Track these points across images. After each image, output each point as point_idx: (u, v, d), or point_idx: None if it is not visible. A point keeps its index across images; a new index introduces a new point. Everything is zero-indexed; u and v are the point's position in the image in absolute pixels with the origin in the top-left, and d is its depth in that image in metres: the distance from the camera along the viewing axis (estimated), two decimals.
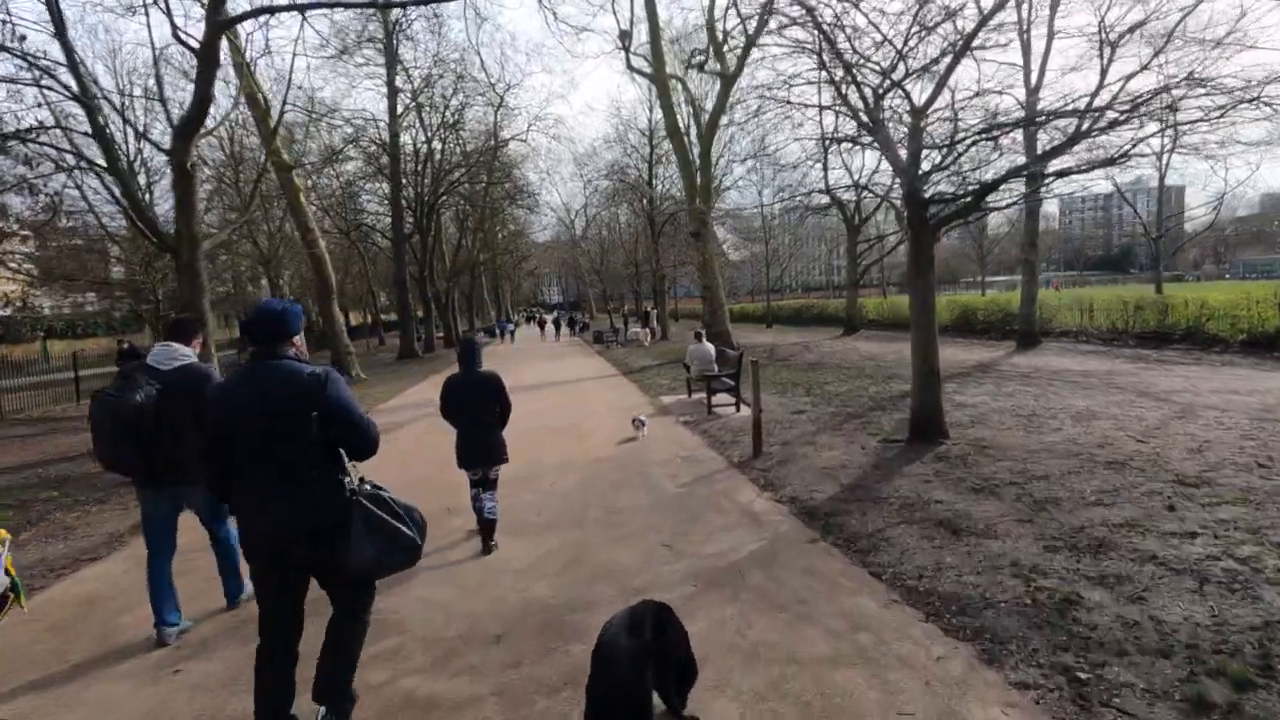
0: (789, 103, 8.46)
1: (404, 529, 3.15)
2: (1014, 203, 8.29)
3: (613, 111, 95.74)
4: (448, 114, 33.59)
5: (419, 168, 33.87)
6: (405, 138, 32.11)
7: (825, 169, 28.61)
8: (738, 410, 11.27)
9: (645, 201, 32.55)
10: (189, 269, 11.89)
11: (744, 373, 11.04)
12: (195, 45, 11.62)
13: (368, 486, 3.17)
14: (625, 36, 22.92)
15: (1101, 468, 6.43)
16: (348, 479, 3.11)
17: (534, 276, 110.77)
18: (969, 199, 7.51)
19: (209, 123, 13.54)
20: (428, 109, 32.86)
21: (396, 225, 29.44)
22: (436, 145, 34.25)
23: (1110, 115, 6.91)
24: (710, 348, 12.77)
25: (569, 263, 77.35)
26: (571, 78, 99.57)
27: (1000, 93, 9.07)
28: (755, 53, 18.99)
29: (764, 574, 4.57)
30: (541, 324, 51.49)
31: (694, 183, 22.27)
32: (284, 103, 14.26)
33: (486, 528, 5.40)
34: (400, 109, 29.57)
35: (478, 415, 5.64)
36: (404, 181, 30.51)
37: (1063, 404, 9.91)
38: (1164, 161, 31.72)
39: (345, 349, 20.91)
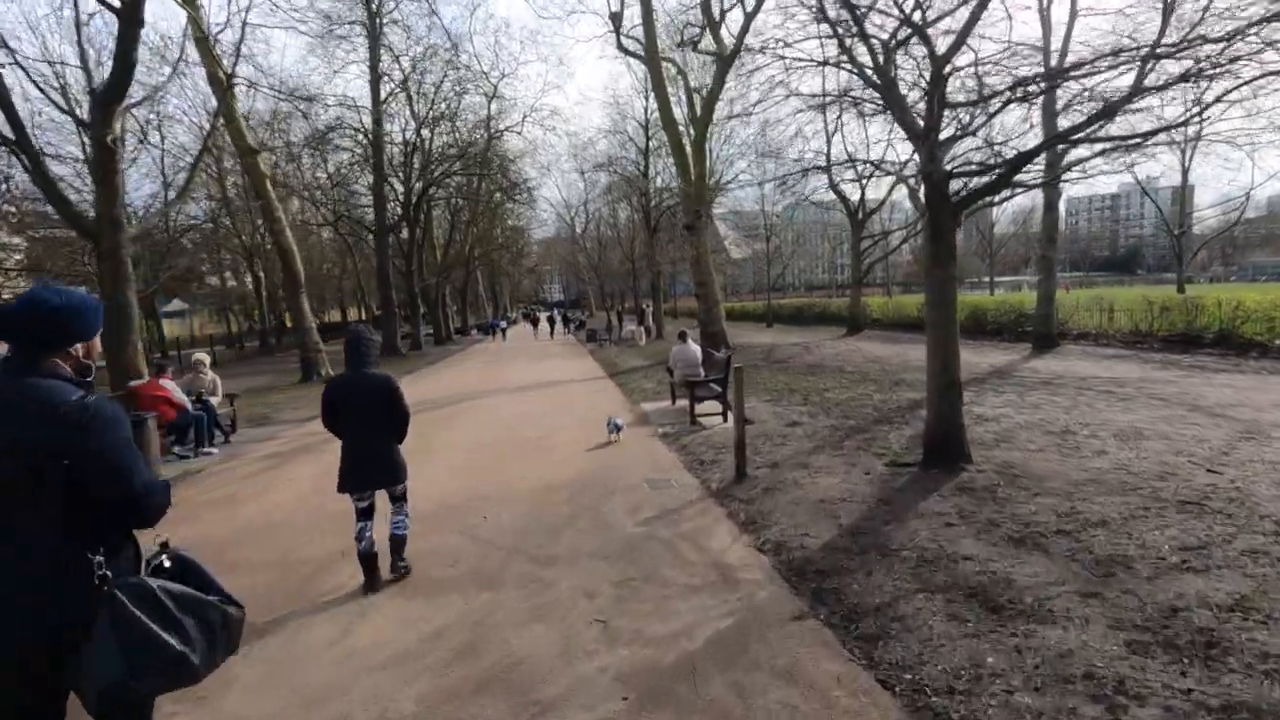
0: (784, 58, 7.07)
1: (170, 639, 2.03)
2: (1049, 181, 6.91)
3: (609, 101, 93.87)
4: (437, 102, 32.31)
5: (407, 158, 32.57)
6: (393, 127, 30.88)
7: (828, 141, 27.30)
8: (725, 420, 9.92)
9: (640, 195, 31.15)
10: (111, 256, 10.60)
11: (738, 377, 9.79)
12: (116, 4, 10.28)
13: (161, 560, 2.18)
14: (616, 18, 21.58)
15: (1173, 509, 5.05)
16: (100, 558, 2.03)
17: (535, 274, 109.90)
18: (1001, 171, 6.14)
19: (165, 97, 12.18)
20: (417, 98, 31.59)
21: (379, 217, 28.13)
22: (425, 134, 32.96)
23: (1176, 65, 5.53)
24: (696, 349, 11.41)
25: (569, 260, 76.07)
26: (568, 68, 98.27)
27: (1035, 49, 7.68)
28: (752, 38, 17.65)
29: (725, 679, 3.20)
30: (534, 321, 50.11)
31: (689, 172, 20.90)
32: (230, 75, 12.91)
33: (395, 545, 4.76)
34: (384, 95, 28.25)
35: (366, 425, 4.60)
36: (387, 172, 29.18)
37: (1099, 418, 8.52)
38: (1188, 154, 30.26)
39: (315, 347, 19.59)
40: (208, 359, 10.58)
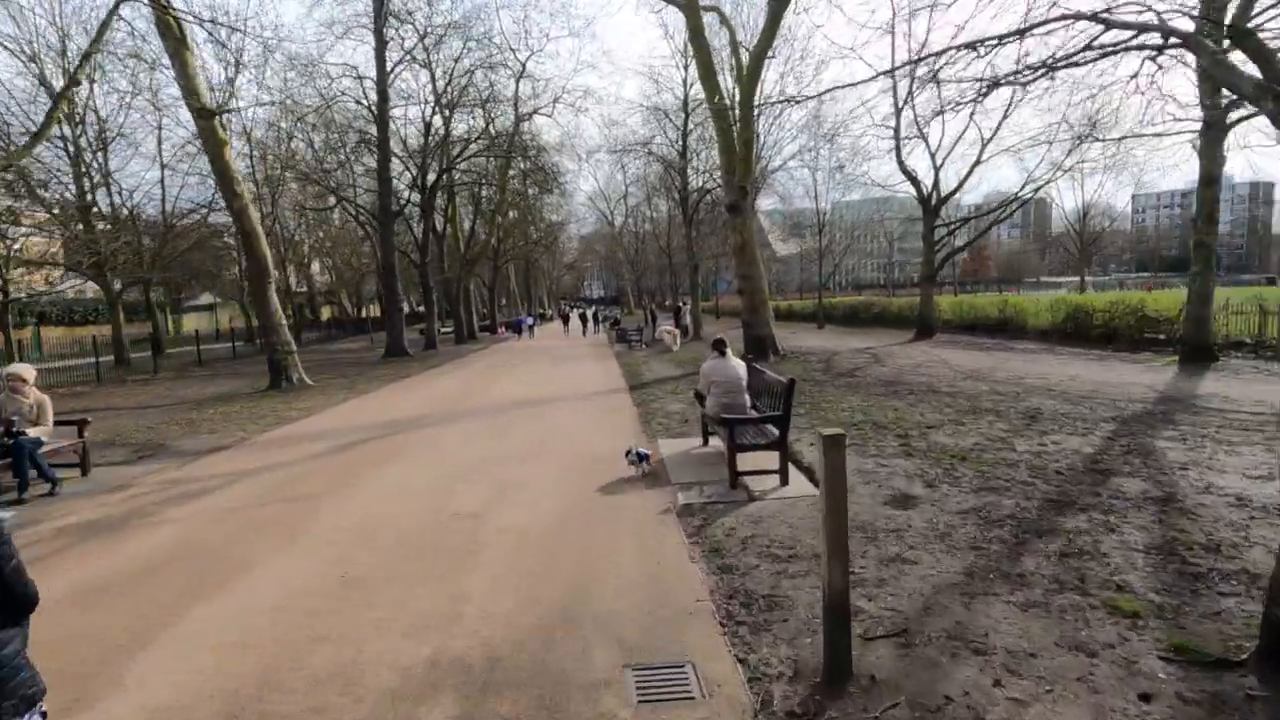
0: None
1: None
2: None
3: (643, 72, 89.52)
4: (456, 76, 29.21)
5: (425, 140, 29.56)
6: (408, 111, 27.93)
7: (897, 113, 23.31)
8: (783, 483, 6.27)
9: (678, 175, 27.50)
10: None
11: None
12: None
13: None
14: None
15: None
16: None
17: (574, 271, 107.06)
18: None
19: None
20: (434, 72, 28.55)
21: (383, 202, 25.10)
22: (444, 113, 29.92)
23: None
24: (738, 367, 7.64)
25: (608, 256, 72.81)
26: (601, 43, 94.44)
27: None
28: None
29: None
30: (565, 319, 46.90)
31: (731, 144, 17.24)
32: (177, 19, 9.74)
33: None
34: (392, 65, 25.20)
35: None
36: (399, 153, 26.16)
37: None
38: None
39: (285, 348, 16.53)
40: (31, 373, 7.36)
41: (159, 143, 28.34)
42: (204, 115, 15.24)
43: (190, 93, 15.07)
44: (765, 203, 41.45)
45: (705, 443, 8.04)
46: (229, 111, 18.60)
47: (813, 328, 34.30)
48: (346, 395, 14.87)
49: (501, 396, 13.69)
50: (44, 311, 40.09)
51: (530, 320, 44.44)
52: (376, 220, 26.18)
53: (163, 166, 28.17)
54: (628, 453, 7.01)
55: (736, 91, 17.68)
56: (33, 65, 22.99)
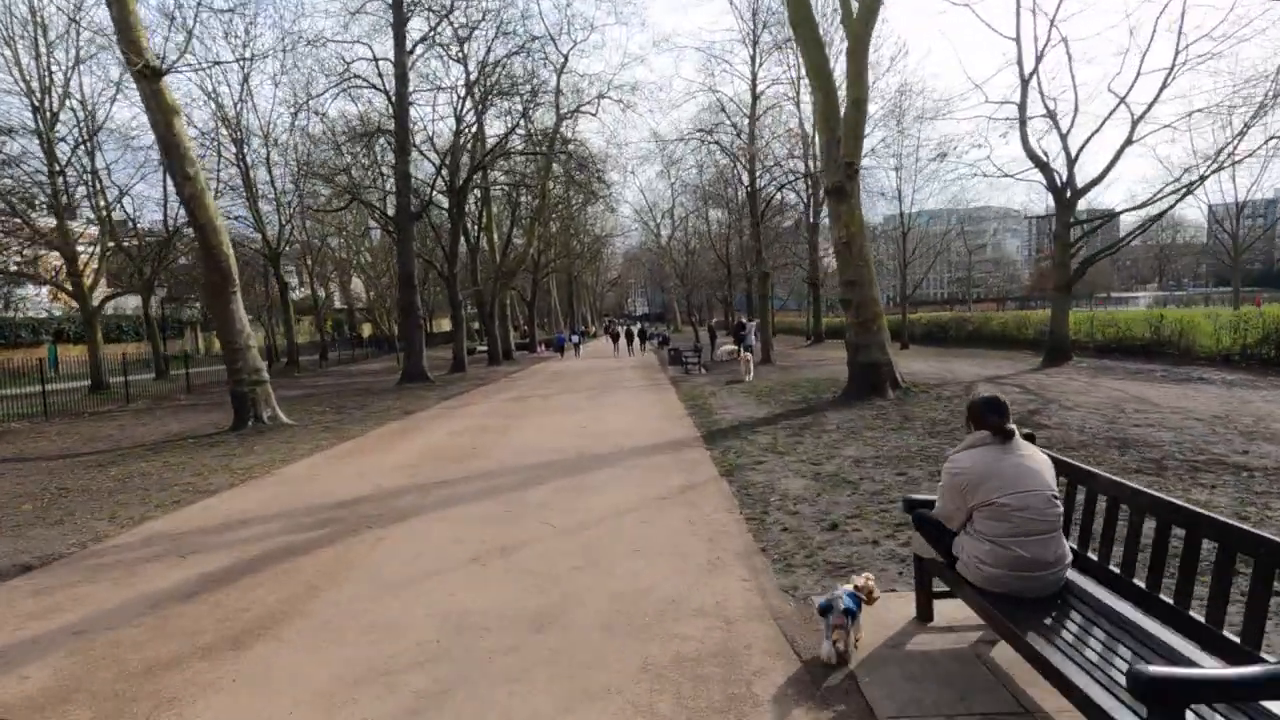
0: None
1: None
2: None
3: (704, 54, 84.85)
4: (489, 65, 25.73)
5: (456, 134, 26.10)
6: (441, 107, 24.47)
7: (1022, 84, 18.71)
8: None
9: (743, 171, 23.29)
10: None
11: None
12: None
13: None
14: None
15: None
16: None
17: (618, 287, 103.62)
18: None
19: None
20: (466, 56, 25.10)
21: (401, 201, 21.50)
22: (476, 104, 26.45)
23: None
24: (1042, 468, 3.11)
25: (655, 270, 68.90)
26: (651, 31, 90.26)
27: None
28: None
29: None
30: (615, 336, 43.00)
31: (834, 106, 13.02)
32: None
33: None
34: (412, 44, 21.74)
35: None
36: (415, 145, 22.63)
37: None
38: None
39: (251, 376, 12.80)
40: None
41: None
42: (147, 74, 11.70)
43: (130, 44, 11.56)
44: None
45: (926, 612, 3.72)
46: (180, 71, 15.14)
47: (896, 347, 29.48)
48: (318, 444, 11.00)
49: (523, 449, 9.60)
50: (61, 329, 37.93)
51: (575, 338, 40.75)
52: (394, 225, 22.61)
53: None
54: (824, 606, 2.94)
55: (844, 35, 13.40)
56: None
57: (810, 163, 30.92)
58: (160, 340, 33.78)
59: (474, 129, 26.85)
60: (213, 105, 27.66)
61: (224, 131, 28.14)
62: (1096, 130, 18.76)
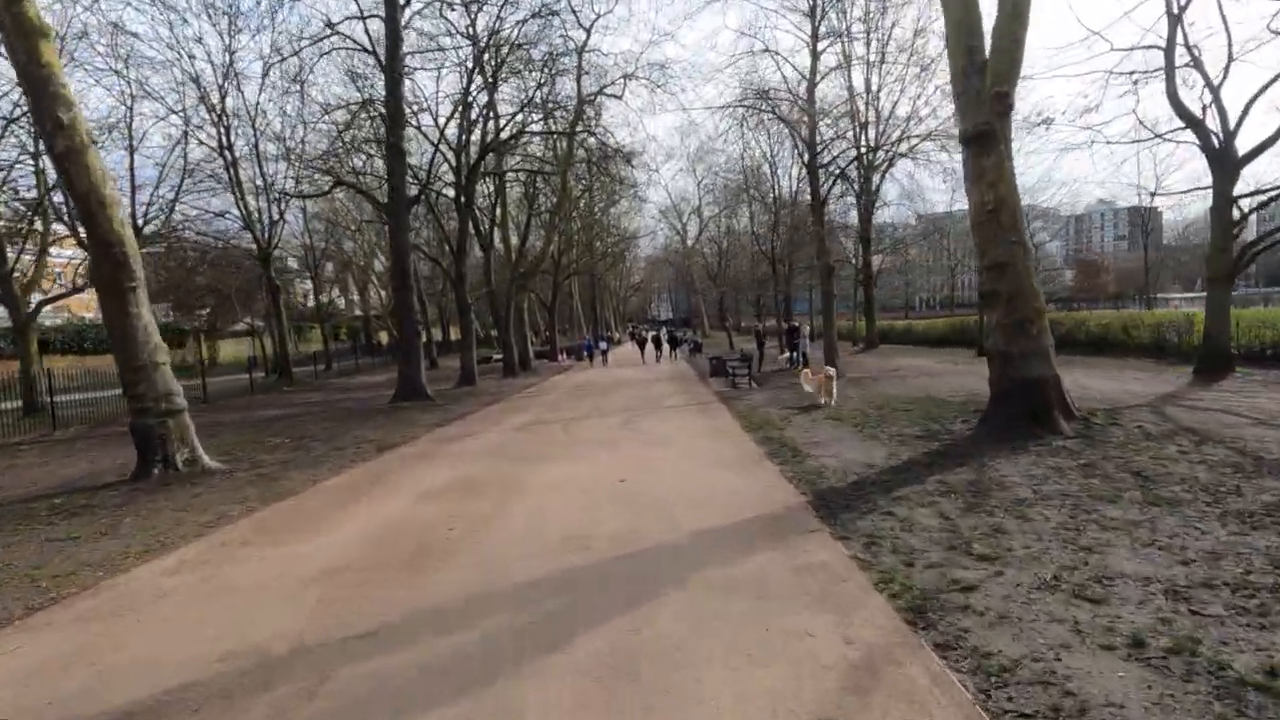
0: None
1: None
2: None
3: (752, 8, 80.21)
4: (500, 36, 22.22)
5: (464, 108, 22.59)
6: (447, 83, 20.96)
7: (1171, 19, 14.63)
8: None
9: (802, 137, 19.39)
10: None
11: None
12: None
13: None
14: None
15: None
16: None
17: (642, 291, 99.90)
18: None
19: None
20: (472, 26, 21.61)
21: (393, 183, 17.94)
22: (489, 80, 22.94)
23: None
24: None
25: (681, 270, 65.11)
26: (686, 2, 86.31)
27: None
28: None
29: None
30: (641, 342, 39.30)
31: (975, 18, 9.18)
32: None
33: None
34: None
35: None
36: (411, 123, 19.11)
37: None
38: None
39: (160, 403, 9.24)
40: None
41: (129, 125, 22.29)
42: None
43: None
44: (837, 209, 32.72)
45: None
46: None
47: (968, 355, 25.31)
48: (227, 511, 7.36)
49: (525, 539, 5.77)
50: (46, 339, 35.13)
51: (603, 344, 37.20)
52: (384, 211, 19.05)
53: (131, 152, 22.07)
54: None
55: None
56: None
57: (864, 140, 27.08)
58: (33, 354, 30.79)
59: (484, 107, 23.31)
60: (191, 86, 24.37)
61: (205, 114, 24.92)
62: (1273, 81, 14.55)
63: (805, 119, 18.71)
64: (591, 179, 35.97)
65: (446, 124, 19.85)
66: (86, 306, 40.81)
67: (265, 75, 24.36)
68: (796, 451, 9.05)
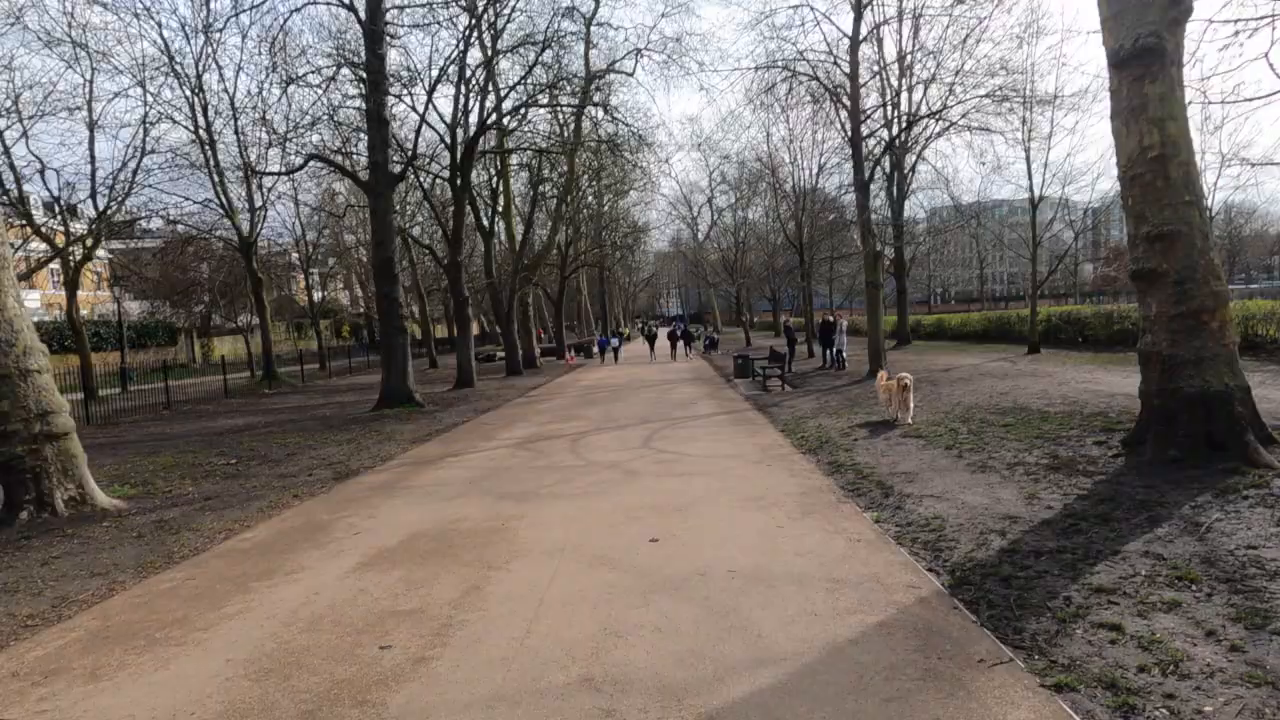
0: None
1: None
2: None
3: None
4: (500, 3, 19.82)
5: (459, 80, 20.20)
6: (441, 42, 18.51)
7: None
8: None
9: (843, 104, 16.85)
10: None
11: None
12: None
13: None
14: None
15: None
16: None
17: (650, 287, 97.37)
18: None
19: None
20: None
21: (374, 158, 15.55)
22: (487, 45, 20.56)
23: None
24: None
25: (691, 265, 62.64)
26: None
27: None
28: None
29: None
30: (650, 338, 36.92)
31: None
32: None
33: None
34: None
35: None
36: (399, 91, 16.75)
37: None
38: None
39: (29, 422, 6.88)
40: None
41: (89, 100, 20.06)
42: None
43: None
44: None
45: None
46: None
47: (1017, 352, 22.75)
48: (65, 600, 5.01)
49: (504, 675, 3.39)
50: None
51: (616, 341, 34.97)
52: (364, 190, 16.63)
53: (91, 128, 19.84)
54: None
55: None
56: None
57: (898, 115, 24.51)
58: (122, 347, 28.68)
59: (483, 79, 20.91)
60: (159, 55, 22.06)
61: (181, 92, 22.65)
62: None
63: (847, 84, 16.20)
64: (599, 163, 33.61)
65: (433, 88, 17.32)
66: None
67: (243, 38, 21.93)
68: (885, 488, 6.66)
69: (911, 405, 9.73)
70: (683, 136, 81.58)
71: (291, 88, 16.76)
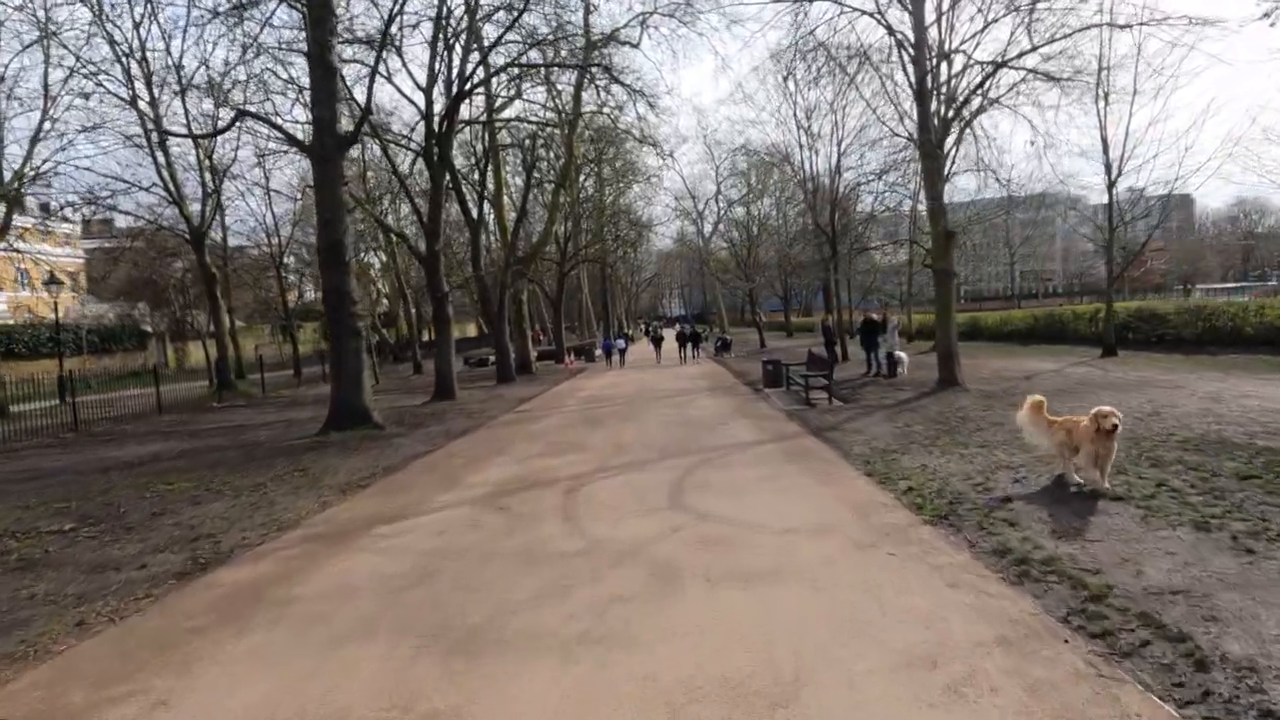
0: None
1: None
2: None
3: None
4: None
5: (434, 34, 16.97)
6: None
7: None
8: None
9: (908, 54, 13.47)
10: None
11: None
12: None
13: None
14: None
15: None
16: None
17: (653, 286, 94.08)
18: None
19: None
20: None
21: (321, 117, 12.23)
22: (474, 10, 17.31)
23: None
24: None
25: (695, 263, 59.32)
26: None
27: None
28: None
29: None
30: (656, 340, 33.61)
31: None
32: None
33: None
34: None
35: None
36: (339, 32, 13.49)
37: None
38: None
39: None
40: None
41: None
42: None
43: None
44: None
45: None
46: None
47: (1089, 354, 19.42)
48: None
49: None
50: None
51: (622, 343, 31.85)
52: (305, 150, 13.28)
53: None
54: None
55: None
56: None
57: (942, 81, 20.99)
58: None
59: (463, 28, 17.60)
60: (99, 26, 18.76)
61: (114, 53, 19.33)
62: None
63: (909, 20, 12.90)
64: (599, 151, 30.37)
65: (389, 26, 13.79)
66: None
67: None
68: (1171, 636, 3.34)
69: (1112, 456, 6.13)
70: (689, 129, 78.27)
71: (219, 31, 13.46)
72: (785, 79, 21.87)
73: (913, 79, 13.32)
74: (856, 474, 7.49)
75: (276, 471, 9.33)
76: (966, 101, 13.78)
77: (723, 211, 48.14)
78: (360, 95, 15.63)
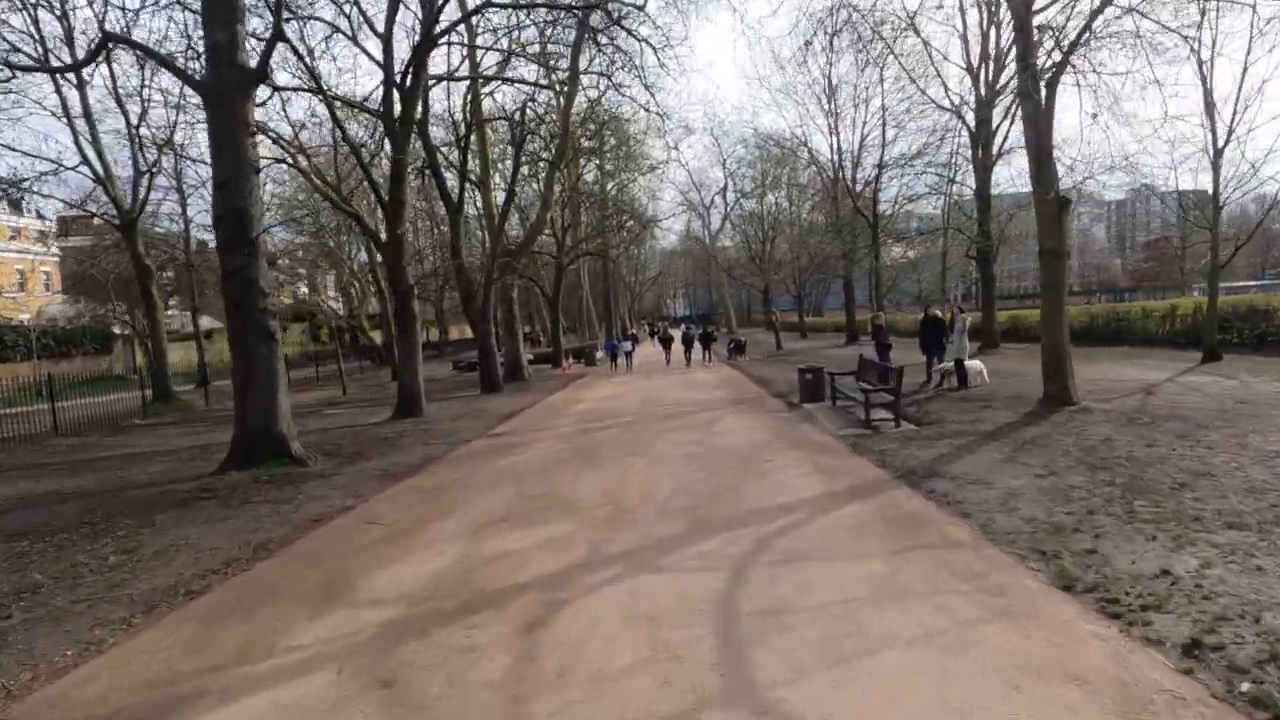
0: None
1: None
2: None
3: None
4: None
5: None
6: None
7: None
8: None
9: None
10: None
11: None
12: None
13: None
14: None
15: None
16: None
17: (658, 285, 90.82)
18: None
19: None
20: None
21: (216, 44, 8.98)
22: None
23: None
24: None
25: (708, 257, 55.97)
26: None
27: None
28: None
29: None
30: (665, 341, 30.31)
31: None
32: None
33: None
34: None
35: None
36: None
37: None
38: None
39: None
40: None
41: None
42: None
43: None
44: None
45: None
46: None
47: (1131, 360, 16.05)
48: None
49: None
50: None
51: (628, 345, 28.75)
52: (198, 88, 9.94)
53: None
54: None
55: None
56: None
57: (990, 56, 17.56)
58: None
59: None
60: None
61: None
62: None
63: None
64: (601, 140, 27.09)
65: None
66: None
67: None
68: None
69: None
70: (696, 122, 74.79)
71: None
72: (806, 45, 18.69)
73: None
74: (1039, 584, 4.19)
75: (97, 549, 6.05)
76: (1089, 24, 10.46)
77: (731, 206, 45.01)
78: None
